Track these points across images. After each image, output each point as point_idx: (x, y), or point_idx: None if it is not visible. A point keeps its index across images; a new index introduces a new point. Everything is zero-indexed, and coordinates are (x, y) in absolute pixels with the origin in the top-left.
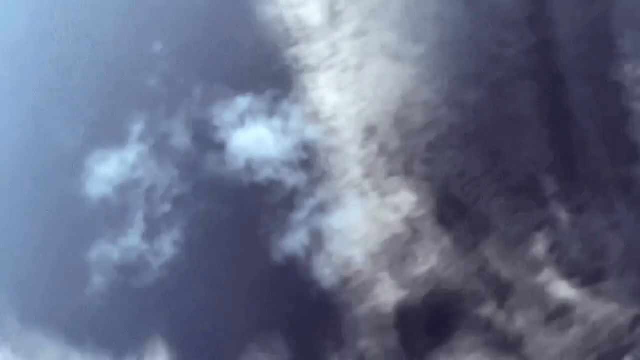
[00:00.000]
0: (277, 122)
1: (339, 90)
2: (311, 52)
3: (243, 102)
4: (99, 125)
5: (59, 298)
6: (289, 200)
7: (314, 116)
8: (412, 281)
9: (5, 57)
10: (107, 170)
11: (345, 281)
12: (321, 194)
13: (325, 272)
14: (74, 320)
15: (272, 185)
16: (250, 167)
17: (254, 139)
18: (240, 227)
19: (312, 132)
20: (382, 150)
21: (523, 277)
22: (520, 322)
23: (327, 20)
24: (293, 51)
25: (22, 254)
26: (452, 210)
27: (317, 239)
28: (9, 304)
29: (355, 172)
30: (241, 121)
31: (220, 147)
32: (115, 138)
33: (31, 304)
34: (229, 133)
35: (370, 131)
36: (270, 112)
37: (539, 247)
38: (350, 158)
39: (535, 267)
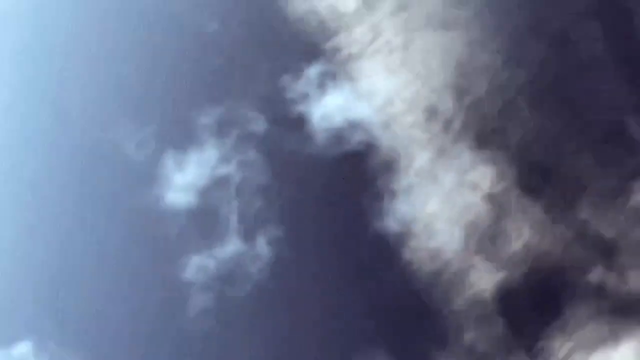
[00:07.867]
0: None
1: (390, 73)
2: (352, 39)
3: (315, 68)
4: (166, 125)
5: (158, 328)
6: (389, 164)
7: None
8: (508, 261)
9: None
10: (186, 175)
11: (436, 274)
12: (390, 185)
13: (413, 269)
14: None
15: (369, 149)
16: (340, 135)
17: (337, 104)
18: (339, 206)
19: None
20: (448, 127)
21: (627, 232)
22: (634, 280)
23: (362, 2)
24: (333, 43)
25: (99, 291)
26: (537, 176)
27: (403, 229)
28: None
29: (424, 156)
30: (318, 88)
31: (300, 121)
32: (187, 137)
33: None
34: (308, 104)
35: (431, 111)
36: (348, 74)
37: (638, 196)
38: (416, 143)
39: (639, 218)
